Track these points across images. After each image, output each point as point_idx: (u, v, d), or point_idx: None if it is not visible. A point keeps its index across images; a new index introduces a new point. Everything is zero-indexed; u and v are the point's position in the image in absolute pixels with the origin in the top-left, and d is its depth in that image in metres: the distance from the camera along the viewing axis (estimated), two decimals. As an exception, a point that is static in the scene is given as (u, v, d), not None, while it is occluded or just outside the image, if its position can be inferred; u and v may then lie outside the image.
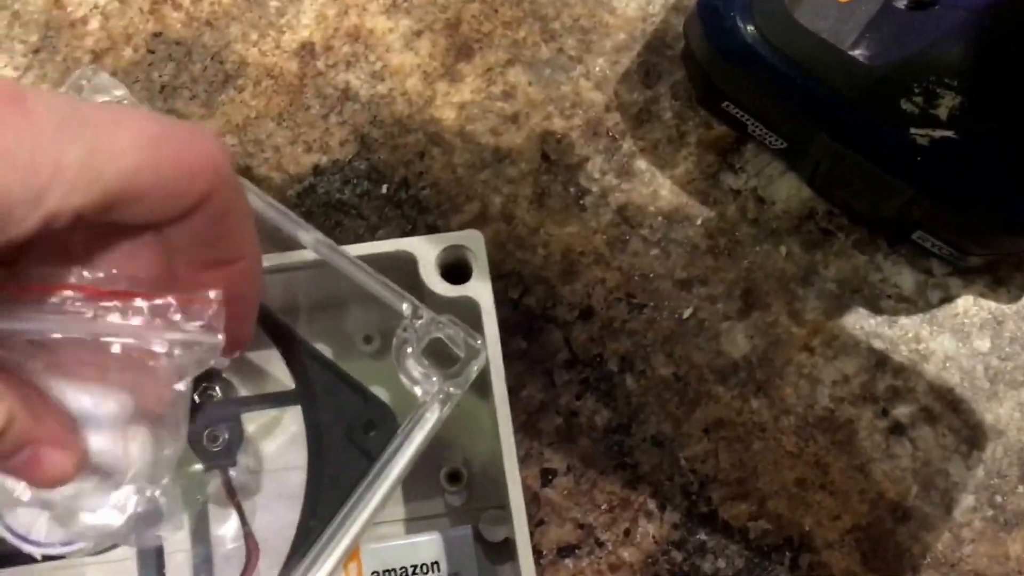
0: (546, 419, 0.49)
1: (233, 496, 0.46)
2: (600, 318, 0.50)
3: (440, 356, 0.38)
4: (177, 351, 0.30)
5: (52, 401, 0.29)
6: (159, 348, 0.30)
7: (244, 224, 0.30)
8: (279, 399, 0.44)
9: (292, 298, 0.46)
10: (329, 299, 0.47)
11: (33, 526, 0.35)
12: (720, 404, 0.50)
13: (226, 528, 0.46)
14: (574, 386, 0.50)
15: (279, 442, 0.48)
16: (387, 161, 0.52)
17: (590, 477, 0.49)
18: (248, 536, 0.45)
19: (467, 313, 0.45)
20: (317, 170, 0.51)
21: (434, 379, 0.38)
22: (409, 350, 0.38)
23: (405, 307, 0.38)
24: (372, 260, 0.43)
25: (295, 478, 0.47)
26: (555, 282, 0.51)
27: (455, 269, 0.44)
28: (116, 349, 0.29)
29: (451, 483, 0.47)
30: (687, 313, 0.51)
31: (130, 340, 0.29)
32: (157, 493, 0.33)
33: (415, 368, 0.38)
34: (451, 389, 0.38)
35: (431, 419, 0.38)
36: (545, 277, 0.51)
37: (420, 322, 0.38)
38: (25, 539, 0.35)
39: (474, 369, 0.38)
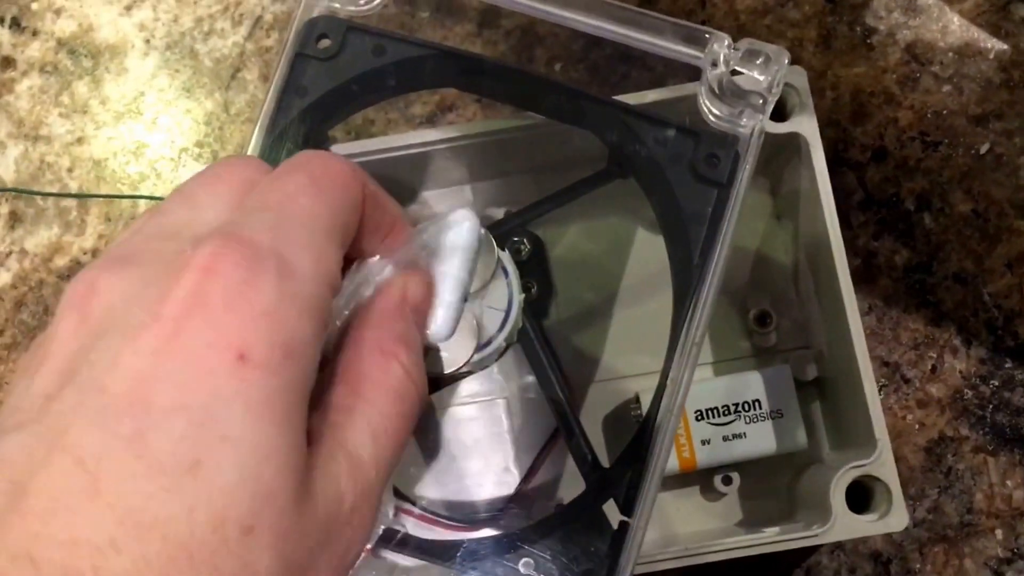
0: (845, 260, 0.49)
1: (549, 347, 0.48)
2: (894, 158, 0.50)
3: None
4: None
5: None
6: None
7: (383, 195, 0.30)
8: (591, 182, 0.43)
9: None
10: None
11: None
12: (1022, 238, 0.49)
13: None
14: (871, 226, 0.50)
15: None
16: (669, 11, 0.51)
17: (893, 316, 0.49)
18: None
19: (791, 150, 0.45)
20: (600, 23, 0.51)
21: (746, 106, 0.38)
22: (720, 81, 0.38)
23: (709, 37, 0.39)
24: (683, 102, 0.44)
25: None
26: (846, 124, 0.50)
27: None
28: None
29: (760, 325, 0.48)
30: (984, 149, 0.50)
31: None
32: None
33: (729, 99, 0.38)
34: (770, 102, 0.38)
35: (758, 143, 0.38)
36: (836, 120, 0.50)
37: (723, 54, 0.38)
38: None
39: (783, 75, 0.38)
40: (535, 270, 0.48)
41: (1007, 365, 0.48)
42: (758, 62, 0.39)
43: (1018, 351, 0.48)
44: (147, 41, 0.53)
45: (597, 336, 0.49)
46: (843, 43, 0.51)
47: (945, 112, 0.50)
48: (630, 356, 0.48)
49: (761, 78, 0.39)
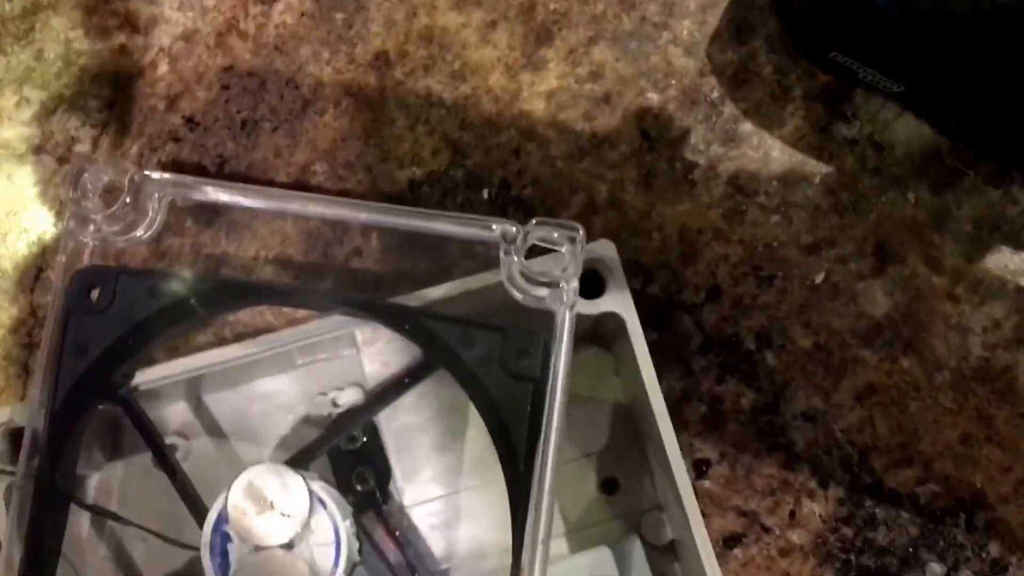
0: (690, 408, 0.47)
1: (393, 535, 0.45)
2: (729, 296, 0.48)
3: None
4: None
5: None
6: None
7: None
8: (413, 375, 0.43)
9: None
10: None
11: None
12: (868, 368, 0.47)
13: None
14: (713, 370, 0.48)
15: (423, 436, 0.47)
16: (483, 164, 0.49)
17: (745, 462, 0.47)
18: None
19: (609, 328, 0.43)
20: (413, 185, 0.49)
21: (550, 288, 0.38)
22: (524, 266, 0.37)
23: (497, 231, 0.38)
24: (487, 293, 0.42)
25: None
26: (676, 265, 0.49)
27: (584, 278, 0.42)
28: None
29: (607, 492, 0.46)
30: (819, 278, 0.48)
31: None
32: None
33: (531, 285, 0.38)
34: (572, 284, 0.37)
35: (568, 322, 0.37)
36: (665, 261, 0.49)
37: (517, 237, 0.37)
38: None
39: (579, 254, 0.37)
40: (371, 456, 0.45)
41: (867, 504, 0.46)
42: (554, 236, 0.38)
43: (876, 488, 0.46)
44: (-64, 251, 0.50)
45: (446, 515, 0.46)
46: (664, 180, 0.49)
47: (776, 244, 0.49)
48: (483, 532, 0.46)
49: (563, 249, 0.38)
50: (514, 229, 0.37)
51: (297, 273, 0.48)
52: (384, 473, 0.46)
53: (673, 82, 0.50)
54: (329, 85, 0.50)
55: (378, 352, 0.46)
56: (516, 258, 0.37)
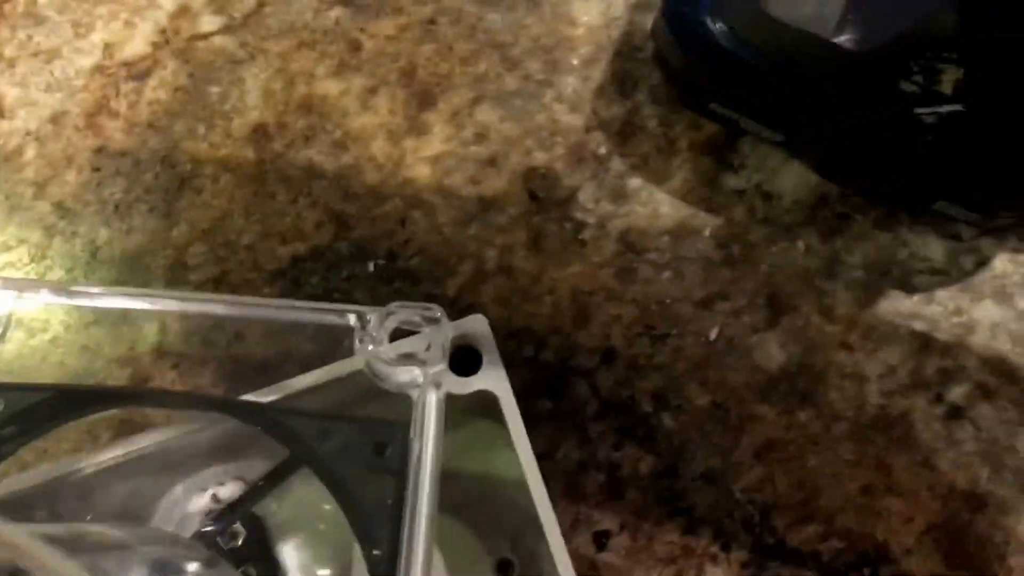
0: (588, 478, 0.46)
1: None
2: (623, 358, 0.47)
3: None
4: None
5: None
6: None
7: None
8: (284, 471, 0.41)
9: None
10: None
11: None
12: (766, 424, 0.47)
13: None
14: (610, 436, 0.47)
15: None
16: (368, 236, 0.48)
17: (646, 531, 0.46)
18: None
19: (486, 405, 0.42)
20: (297, 261, 0.48)
21: (415, 370, 0.37)
22: (380, 352, 0.37)
23: (351, 319, 0.37)
24: (357, 379, 0.41)
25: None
26: (569, 329, 0.48)
27: (459, 354, 0.41)
28: None
29: (502, 573, 0.44)
30: (713, 334, 0.48)
31: None
32: None
33: (394, 370, 0.37)
34: (436, 368, 0.37)
35: (435, 406, 0.36)
36: (558, 326, 0.48)
37: (371, 324, 0.37)
38: None
39: (440, 334, 0.37)
40: (255, 552, 0.44)
41: (771, 565, 0.45)
42: (415, 319, 0.37)
43: (779, 548, 0.46)
44: None
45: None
46: (554, 242, 0.48)
47: (669, 301, 0.48)
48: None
49: (427, 330, 0.37)
50: (369, 316, 0.37)
51: (177, 362, 0.47)
52: (272, 570, 0.44)
53: (559, 140, 0.49)
54: (206, 161, 0.49)
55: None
56: (371, 346, 0.36)
